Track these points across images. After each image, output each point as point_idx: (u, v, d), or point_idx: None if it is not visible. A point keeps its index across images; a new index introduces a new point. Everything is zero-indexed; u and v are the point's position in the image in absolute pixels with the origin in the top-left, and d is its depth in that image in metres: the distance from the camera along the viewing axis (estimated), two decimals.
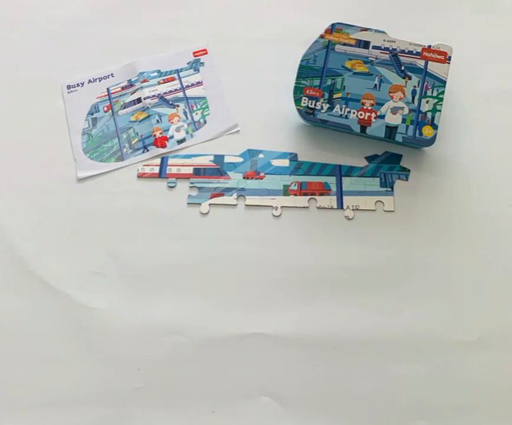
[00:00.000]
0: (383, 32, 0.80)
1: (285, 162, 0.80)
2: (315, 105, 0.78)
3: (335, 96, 0.78)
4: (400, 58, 0.79)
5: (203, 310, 0.71)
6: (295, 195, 0.78)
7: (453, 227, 0.75)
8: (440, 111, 0.76)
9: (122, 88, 0.86)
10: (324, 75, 0.79)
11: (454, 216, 0.75)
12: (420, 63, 0.78)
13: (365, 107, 0.77)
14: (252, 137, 0.82)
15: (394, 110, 0.77)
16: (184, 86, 0.86)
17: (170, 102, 0.85)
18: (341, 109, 0.77)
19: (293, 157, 0.80)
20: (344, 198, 0.77)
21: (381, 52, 0.79)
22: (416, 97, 0.77)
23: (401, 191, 0.77)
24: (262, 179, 0.79)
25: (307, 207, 0.76)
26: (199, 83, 0.87)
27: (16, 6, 0.94)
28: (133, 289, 0.72)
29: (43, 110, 0.84)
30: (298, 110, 0.78)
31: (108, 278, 0.73)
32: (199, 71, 0.88)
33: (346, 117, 0.77)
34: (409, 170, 0.79)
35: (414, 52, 0.79)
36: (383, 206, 0.76)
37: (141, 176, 0.79)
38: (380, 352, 0.68)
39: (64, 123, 0.83)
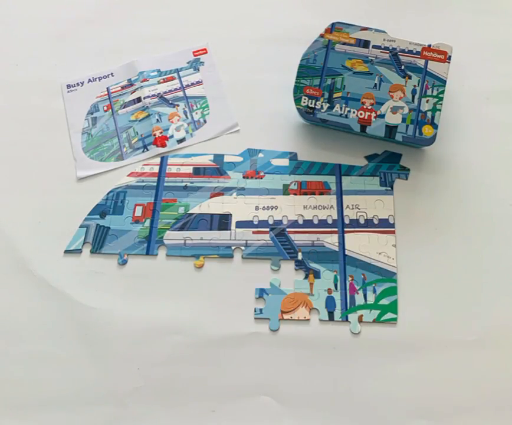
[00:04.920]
0: (383, 32, 0.80)
1: (284, 161, 0.80)
2: (315, 104, 0.78)
3: (335, 95, 0.78)
4: (400, 57, 0.79)
5: (203, 310, 0.71)
6: (295, 194, 0.78)
7: (452, 226, 0.75)
8: (440, 110, 0.76)
9: (122, 88, 0.86)
10: (324, 74, 0.79)
11: (454, 216, 0.76)
12: (420, 62, 0.78)
13: (365, 107, 0.77)
14: (252, 136, 0.82)
15: (394, 110, 0.77)
16: (184, 85, 0.87)
17: (170, 101, 0.85)
18: (341, 108, 0.77)
19: (293, 157, 0.80)
20: (344, 197, 0.77)
21: (381, 52, 0.79)
22: (416, 97, 0.77)
23: (401, 190, 0.77)
24: (261, 178, 0.79)
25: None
26: (198, 82, 0.87)
27: (16, 6, 0.94)
28: (133, 289, 0.72)
29: (43, 110, 0.84)
30: (298, 109, 0.78)
31: (108, 278, 0.73)
32: (198, 70, 0.88)
33: (346, 117, 0.77)
34: (408, 170, 0.79)
35: (414, 51, 0.79)
36: (383, 205, 0.76)
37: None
38: (380, 352, 0.68)
39: (64, 122, 0.83)
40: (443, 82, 0.78)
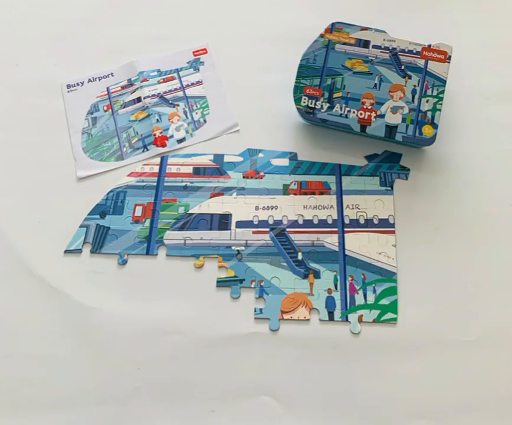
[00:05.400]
0: (383, 32, 0.80)
1: (284, 161, 0.80)
2: (315, 104, 0.78)
3: (335, 95, 0.78)
4: (400, 57, 0.79)
5: (203, 310, 0.71)
6: (295, 194, 0.78)
7: (452, 226, 0.75)
8: (440, 110, 0.76)
9: (122, 88, 0.86)
10: (324, 74, 0.79)
11: (454, 215, 0.76)
12: (420, 62, 0.78)
13: (365, 106, 0.77)
14: (252, 136, 0.82)
15: (394, 109, 0.77)
16: (184, 85, 0.87)
17: (170, 101, 0.85)
18: (341, 108, 0.77)
19: (293, 157, 0.80)
20: (344, 197, 0.77)
21: (381, 52, 0.79)
22: (416, 96, 0.77)
23: (401, 190, 0.77)
24: (261, 178, 0.79)
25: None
26: (198, 82, 0.87)
27: (16, 5, 0.94)
28: (133, 289, 0.72)
29: (43, 109, 0.84)
30: (298, 109, 0.78)
31: (108, 278, 0.73)
32: (198, 70, 0.88)
33: (346, 117, 0.77)
34: (408, 170, 0.79)
35: (414, 51, 0.79)
36: (383, 205, 0.76)
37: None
38: (380, 352, 0.68)
39: (64, 122, 0.83)
40: (443, 82, 0.78)
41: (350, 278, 0.72)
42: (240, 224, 0.76)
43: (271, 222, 0.76)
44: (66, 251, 0.74)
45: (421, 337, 0.69)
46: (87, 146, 0.82)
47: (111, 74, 0.87)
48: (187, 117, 0.84)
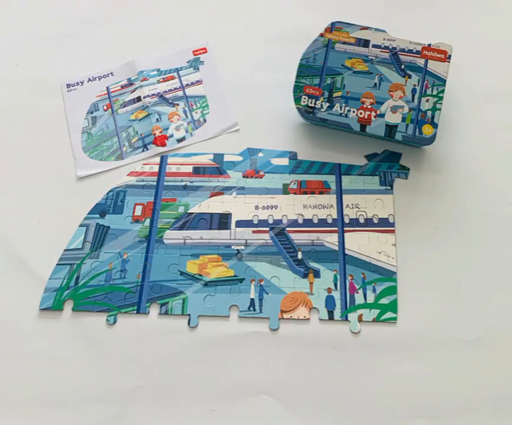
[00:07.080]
0: (383, 31, 0.80)
1: (284, 161, 0.80)
2: (315, 104, 0.78)
3: (335, 95, 0.78)
4: (400, 56, 0.79)
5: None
6: (295, 193, 0.78)
7: (452, 226, 0.75)
8: (440, 110, 0.76)
9: (122, 87, 0.86)
10: (324, 73, 0.79)
11: (453, 215, 0.76)
12: (420, 62, 0.78)
13: (365, 106, 0.77)
14: (252, 135, 0.82)
15: (394, 109, 0.77)
16: (184, 85, 0.87)
17: (170, 101, 0.85)
18: (341, 108, 0.77)
19: (293, 156, 0.80)
20: (344, 196, 0.77)
21: (381, 51, 0.79)
22: (416, 96, 0.77)
23: (401, 190, 0.77)
24: (261, 177, 0.79)
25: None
26: (198, 82, 0.87)
27: (16, 5, 0.94)
28: None
29: (42, 109, 0.84)
30: (298, 108, 0.78)
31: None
32: (198, 69, 0.88)
33: (346, 116, 0.77)
34: (408, 169, 0.79)
35: (414, 50, 0.79)
36: (383, 204, 0.76)
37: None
38: (380, 351, 0.68)
39: (64, 121, 0.83)
40: (443, 81, 0.78)
41: (349, 278, 0.72)
42: (240, 223, 0.76)
43: (270, 221, 0.76)
44: (66, 250, 0.74)
45: (421, 336, 0.69)
46: (87, 146, 0.82)
47: (111, 73, 0.87)
48: (187, 117, 0.84)
